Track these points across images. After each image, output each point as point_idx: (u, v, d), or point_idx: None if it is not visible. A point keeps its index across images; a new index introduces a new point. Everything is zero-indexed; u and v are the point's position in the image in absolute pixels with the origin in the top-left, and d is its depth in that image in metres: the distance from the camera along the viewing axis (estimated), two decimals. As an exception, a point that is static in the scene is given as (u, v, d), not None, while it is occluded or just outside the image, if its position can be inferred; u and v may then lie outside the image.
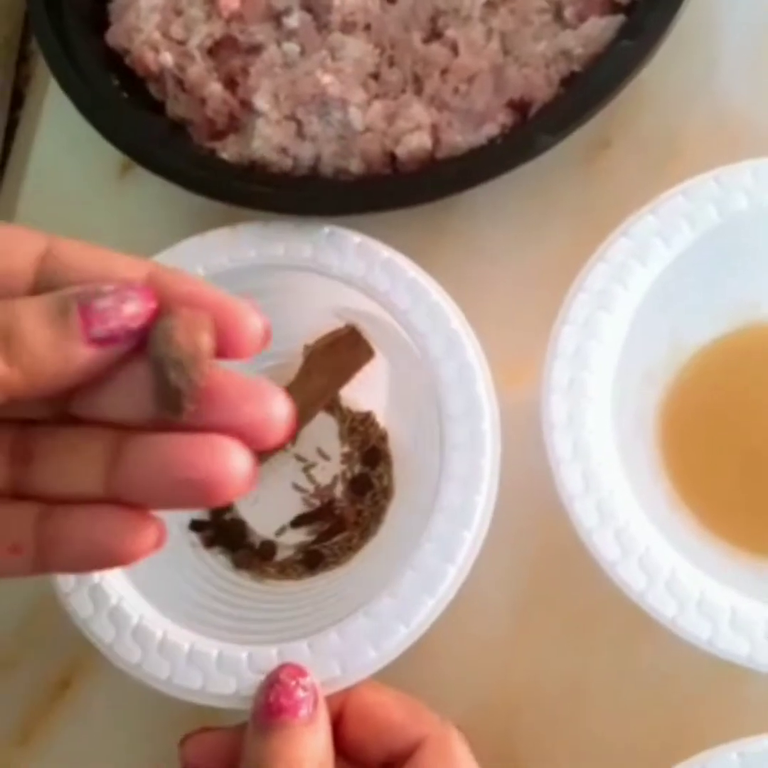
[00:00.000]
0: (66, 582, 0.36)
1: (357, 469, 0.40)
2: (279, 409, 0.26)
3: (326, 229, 0.39)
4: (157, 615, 0.36)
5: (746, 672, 0.32)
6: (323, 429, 0.41)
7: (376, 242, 0.38)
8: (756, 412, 0.38)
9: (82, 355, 0.25)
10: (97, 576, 0.36)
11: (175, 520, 0.40)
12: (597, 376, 0.36)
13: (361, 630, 0.34)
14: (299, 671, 0.33)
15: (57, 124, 0.49)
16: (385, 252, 0.38)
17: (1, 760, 0.41)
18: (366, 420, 0.41)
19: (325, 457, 0.41)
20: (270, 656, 0.34)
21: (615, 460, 0.35)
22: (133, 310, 0.25)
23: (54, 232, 0.45)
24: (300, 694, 0.32)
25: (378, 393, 0.41)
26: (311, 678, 0.33)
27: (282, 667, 0.33)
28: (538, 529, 0.38)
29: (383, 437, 0.40)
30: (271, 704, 0.32)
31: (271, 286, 0.40)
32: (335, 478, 0.41)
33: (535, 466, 0.36)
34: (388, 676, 0.35)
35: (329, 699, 0.33)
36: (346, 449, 0.41)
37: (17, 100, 0.52)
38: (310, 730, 0.32)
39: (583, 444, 0.35)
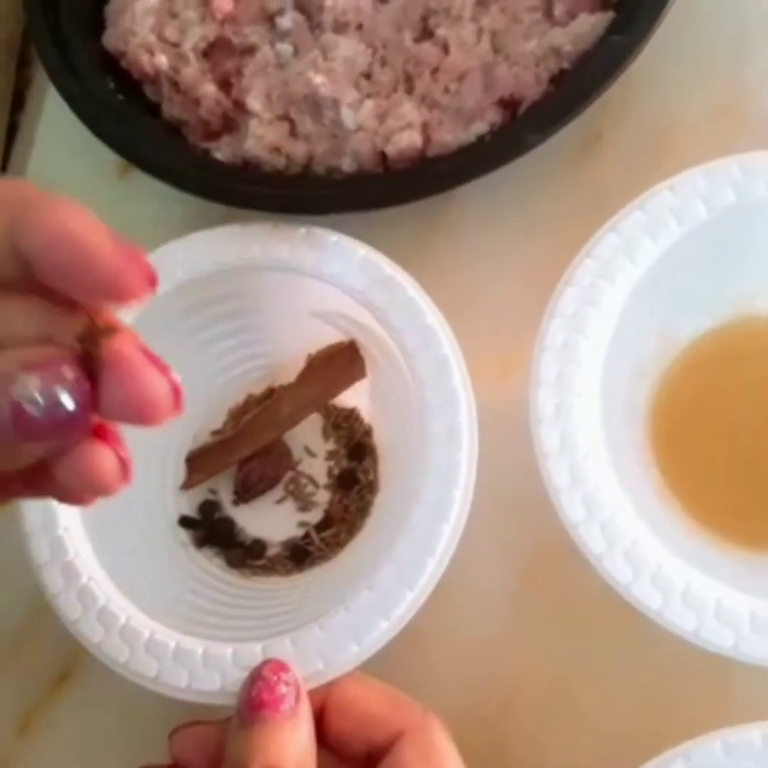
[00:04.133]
0: (54, 583, 0.37)
1: (343, 464, 0.41)
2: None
3: (303, 229, 0.39)
4: (143, 615, 0.36)
5: (732, 662, 0.32)
6: (309, 426, 0.41)
7: (353, 240, 0.38)
8: (744, 406, 0.38)
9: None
10: (85, 577, 0.37)
11: (164, 520, 0.41)
12: (585, 370, 0.36)
13: (341, 624, 0.34)
14: (281, 667, 0.33)
15: (57, 126, 0.50)
16: (362, 250, 0.38)
17: (2, 750, 0.41)
18: (350, 416, 0.42)
19: (311, 454, 0.41)
20: (254, 653, 0.35)
21: (603, 453, 0.36)
22: (67, 411, 0.23)
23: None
24: (282, 689, 0.33)
25: (361, 389, 0.41)
26: (293, 673, 0.33)
27: (265, 662, 0.34)
28: (526, 523, 0.38)
29: (368, 432, 0.41)
30: (253, 699, 0.33)
31: (250, 287, 0.41)
32: (320, 470, 0.41)
33: (523, 460, 0.36)
34: (377, 668, 0.35)
35: (313, 692, 0.34)
36: (332, 446, 0.41)
37: (18, 103, 0.53)
38: (292, 724, 0.32)
39: (570, 437, 0.35)
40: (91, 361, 0.23)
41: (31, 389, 0.22)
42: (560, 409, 0.36)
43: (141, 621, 0.36)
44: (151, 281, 0.24)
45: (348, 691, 0.34)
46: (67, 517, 0.37)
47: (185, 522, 0.41)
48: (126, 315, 0.39)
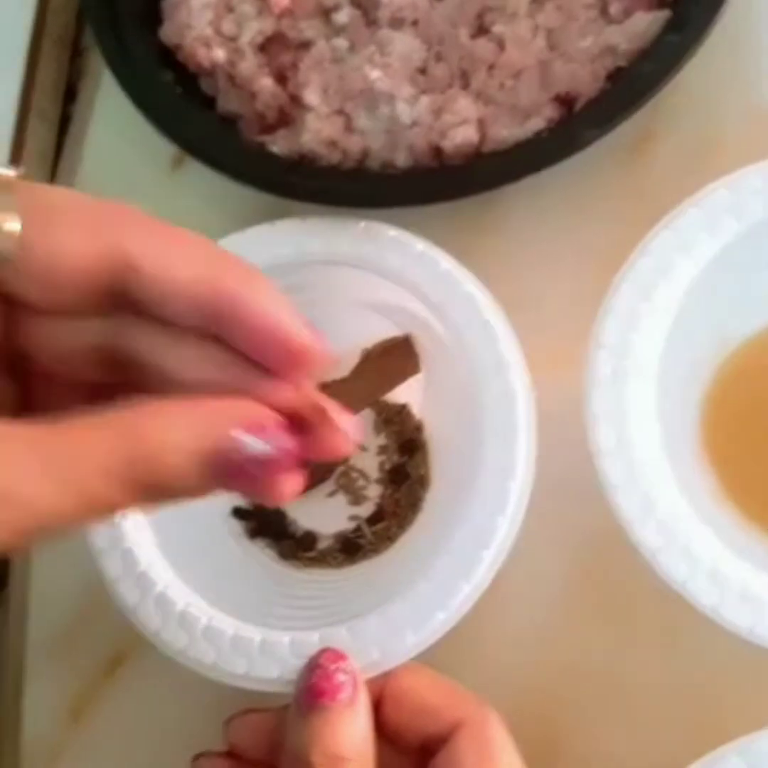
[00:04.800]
0: (114, 569, 0.37)
1: (394, 459, 0.41)
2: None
3: (362, 224, 0.39)
4: (201, 602, 0.37)
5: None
6: (360, 421, 0.41)
7: (411, 235, 0.39)
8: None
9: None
10: (144, 563, 0.37)
11: (217, 511, 0.41)
12: (640, 368, 0.36)
13: (399, 615, 0.35)
14: (339, 655, 0.34)
15: (110, 118, 0.50)
16: (420, 245, 0.39)
17: (53, 737, 0.42)
18: (402, 411, 0.42)
19: (362, 448, 0.42)
20: (311, 642, 0.35)
21: (658, 451, 0.36)
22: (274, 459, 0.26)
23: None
24: (340, 677, 0.33)
25: (413, 385, 0.41)
26: (351, 662, 0.34)
27: (322, 651, 0.34)
28: (580, 518, 0.38)
29: (418, 428, 0.41)
30: (312, 687, 0.33)
31: (308, 280, 0.41)
32: (371, 464, 0.41)
33: (579, 456, 0.36)
34: (430, 659, 0.35)
35: (369, 683, 0.34)
36: (383, 440, 0.41)
37: (70, 95, 0.53)
38: (351, 712, 0.33)
39: (626, 435, 0.35)
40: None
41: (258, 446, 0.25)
42: (616, 406, 0.36)
43: (199, 608, 0.37)
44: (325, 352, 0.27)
45: (404, 682, 0.34)
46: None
47: (238, 513, 0.42)
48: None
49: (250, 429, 0.25)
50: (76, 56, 0.54)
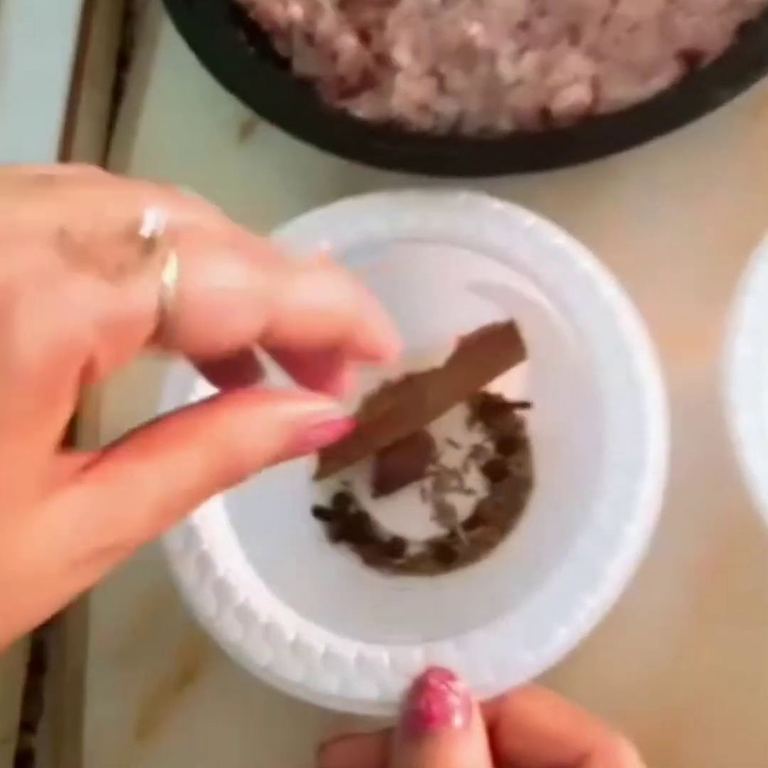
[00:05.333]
0: (189, 574, 0.33)
1: (491, 457, 0.37)
2: None
3: (463, 196, 0.36)
4: (288, 612, 0.33)
5: None
6: (453, 416, 0.38)
7: (519, 208, 0.35)
8: None
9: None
10: (221, 570, 0.33)
11: (298, 513, 0.38)
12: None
13: (514, 630, 0.31)
14: (449, 675, 0.30)
15: (168, 86, 0.47)
16: (529, 219, 0.35)
17: (120, 753, 0.38)
18: (500, 405, 0.38)
19: (455, 446, 0.38)
20: (414, 658, 0.31)
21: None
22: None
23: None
24: (453, 700, 0.30)
25: (515, 377, 0.37)
26: (463, 683, 0.30)
27: (430, 670, 0.31)
28: (716, 516, 0.34)
29: (520, 424, 0.37)
30: (422, 711, 0.30)
31: (400, 260, 0.37)
32: (465, 464, 0.38)
33: (711, 451, 0.32)
34: (542, 679, 0.32)
35: (483, 706, 0.30)
36: (478, 438, 0.38)
37: (123, 63, 0.50)
38: (466, 738, 0.29)
39: (766, 424, 0.32)
40: None
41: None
42: (756, 394, 0.32)
43: (287, 618, 0.33)
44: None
45: (522, 705, 0.31)
46: (202, 510, 0.34)
47: (319, 513, 0.38)
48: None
49: (321, 425, 0.26)
50: (128, 22, 0.50)
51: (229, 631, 0.33)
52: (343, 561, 0.37)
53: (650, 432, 0.32)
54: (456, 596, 0.35)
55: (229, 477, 0.25)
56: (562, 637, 0.31)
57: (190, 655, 0.38)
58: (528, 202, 0.36)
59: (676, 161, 0.38)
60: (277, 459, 0.26)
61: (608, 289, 0.34)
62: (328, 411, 0.27)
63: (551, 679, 0.31)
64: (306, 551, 0.37)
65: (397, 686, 0.31)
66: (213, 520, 0.34)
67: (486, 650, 0.31)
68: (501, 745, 0.31)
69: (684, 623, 0.34)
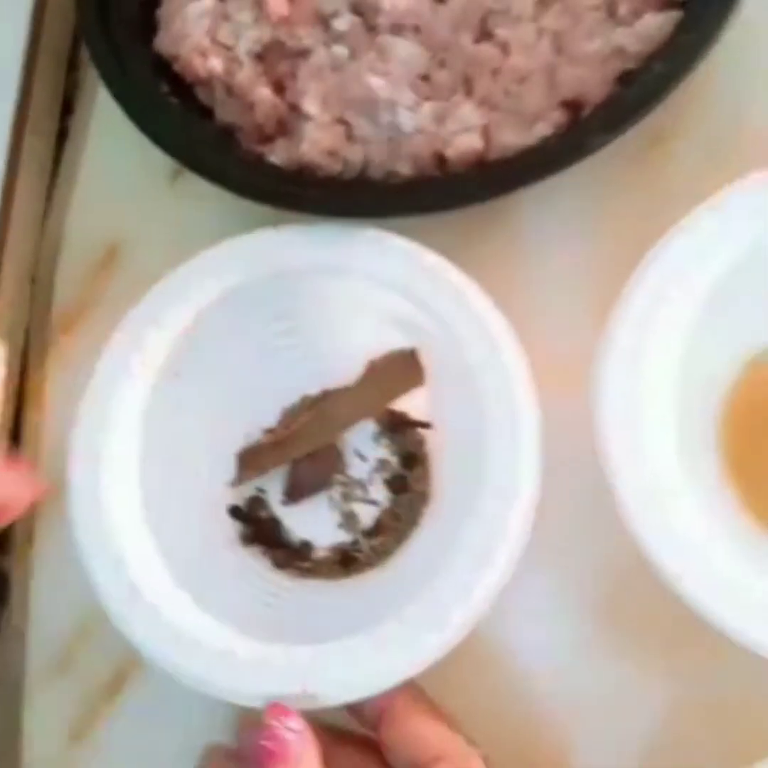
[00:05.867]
0: (103, 577, 0.36)
1: (395, 471, 0.40)
2: None
3: (370, 233, 0.38)
4: (199, 617, 0.36)
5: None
6: (362, 432, 0.41)
7: (420, 247, 0.38)
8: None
9: None
10: (137, 576, 0.36)
11: (213, 516, 0.40)
12: (655, 379, 0.35)
13: (390, 637, 0.34)
14: (285, 712, 0.33)
15: (108, 131, 0.49)
16: (429, 257, 0.38)
17: (55, 758, 0.41)
18: (403, 424, 0.41)
19: (363, 459, 0.41)
20: (302, 658, 0.34)
21: (675, 466, 0.34)
22: None
23: (106, 239, 0.46)
24: (288, 736, 0.33)
25: (417, 398, 0.40)
26: (298, 721, 0.33)
27: (270, 707, 0.33)
28: (593, 538, 0.37)
29: (421, 441, 0.40)
30: (261, 748, 0.33)
31: (312, 289, 0.40)
32: (370, 476, 0.40)
33: (587, 474, 0.35)
34: (438, 684, 0.34)
35: (375, 698, 0.34)
36: (384, 453, 0.40)
37: (67, 108, 0.52)
38: None
39: (641, 450, 0.34)
40: None
41: None
42: (629, 419, 0.35)
43: (197, 624, 0.35)
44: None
45: (400, 703, 0.34)
46: (120, 511, 0.37)
47: (235, 513, 0.41)
48: (185, 312, 0.39)
49: None
50: (72, 70, 0.53)
51: (140, 635, 0.36)
52: (254, 564, 0.40)
53: (524, 458, 0.35)
54: (351, 602, 0.38)
55: None
56: (433, 644, 0.33)
57: (121, 662, 0.40)
58: (430, 241, 0.39)
59: (566, 202, 0.40)
60: None
61: (496, 325, 0.36)
62: None
63: (438, 685, 0.34)
64: (219, 555, 0.40)
65: (315, 684, 0.34)
66: (130, 528, 0.37)
67: (364, 654, 0.34)
68: (381, 733, 0.34)
69: (561, 633, 0.37)
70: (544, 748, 0.36)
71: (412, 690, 0.34)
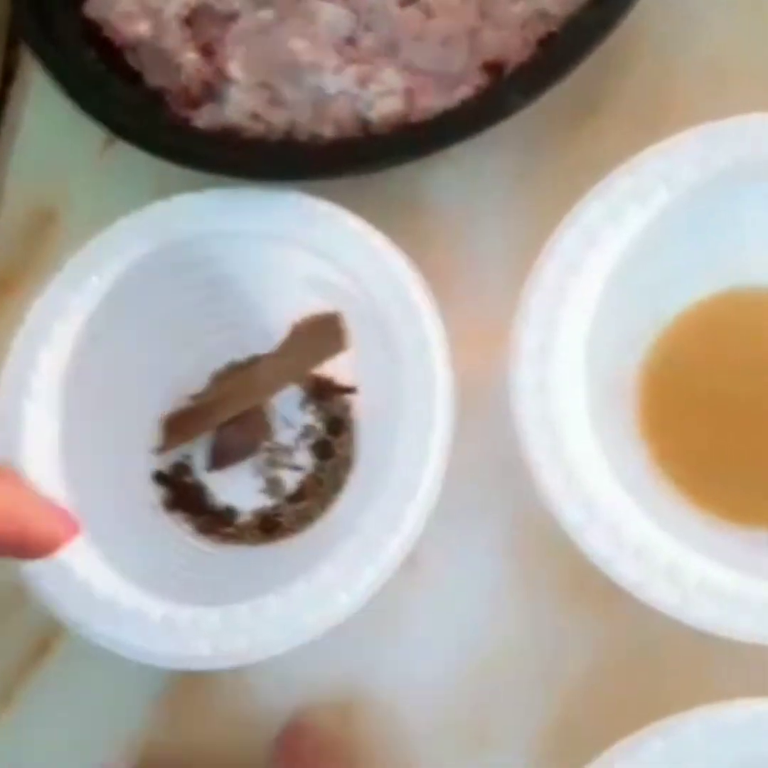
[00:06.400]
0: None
1: (321, 437, 0.40)
2: None
3: (293, 197, 0.38)
4: (121, 583, 0.36)
5: (715, 639, 0.31)
6: (288, 398, 0.40)
7: (341, 210, 0.38)
8: (734, 378, 0.37)
9: None
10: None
11: (138, 482, 0.40)
12: (569, 342, 0.35)
13: (302, 596, 0.34)
14: None
15: (44, 100, 0.49)
16: (352, 221, 0.38)
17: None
18: (331, 389, 0.41)
19: (289, 425, 0.40)
20: (214, 619, 0.34)
21: (586, 426, 0.34)
22: None
23: (43, 204, 0.46)
24: None
25: (344, 363, 0.40)
26: None
27: None
28: (507, 497, 0.37)
29: (347, 407, 0.40)
30: None
31: (237, 253, 0.40)
32: (297, 442, 0.40)
33: (505, 434, 0.35)
34: (350, 649, 0.35)
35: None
36: (310, 418, 0.40)
37: (8, 79, 0.52)
38: None
39: (552, 411, 0.34)
40: None
41: None
42: (542, 382, 0.35)
43: (119, 589, 0.35)
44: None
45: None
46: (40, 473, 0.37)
47: (160, 478, 0.40)
48: (110, 271, 0.38)
49: None
50: (15, 43, 0.53)
51: (70, 607, 0.36)
52: (176, 529, 0.40)
53: (436, 423, 0.35)
54: (269, 565, 0.38)
55: None
56: (343, 603, 0.34)
57: (48, 625, 0.40)
58: (355, 204, 0.39)
59: (492, 165, 0.40)
60: None
61: (416, 292, 0.36)
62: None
63: (361, 644, 0.34)
64: (142, 520, 0.40)
65: (226, 643, 0.34)
66: (50, 491, 0.36)
67: (275, 613, 0.34)
68: None
69: (477, 592, 0.37)
70: (461, 701, 0.36)
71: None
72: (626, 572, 0.32)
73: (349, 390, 0.40)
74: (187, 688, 0.38)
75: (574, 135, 0.41)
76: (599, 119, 0.41)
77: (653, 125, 0.41)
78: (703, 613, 0.31)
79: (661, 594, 0.32)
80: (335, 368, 0.41)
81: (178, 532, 0.40)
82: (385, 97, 0.39)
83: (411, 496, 0.34)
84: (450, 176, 0.41)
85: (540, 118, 0.39)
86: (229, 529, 0.40)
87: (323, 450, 0.40)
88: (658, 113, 0.41)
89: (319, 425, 0.40)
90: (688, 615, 0.31)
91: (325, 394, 0.41)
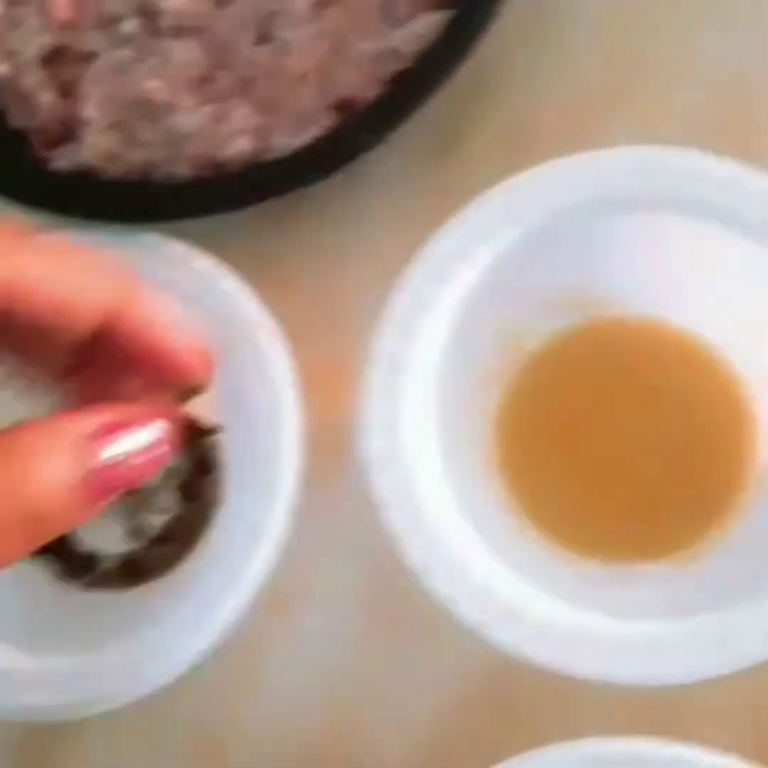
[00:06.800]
0: None
1: (188, 476, 0.40)
2: None
3: (147, 237, 0.38)
4: None
5: (567, 678, 0.31)
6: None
7: (194, 250, 0.38)
8: (586, 412, 0.37)
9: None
10: None
11: None
12: (419, 380, 0.35)
13: (150, 643, 0.34)
14: None
15: None
16: (202, 261, 0.38)
17: None
18: (193, 430, 0.40)
19: None
20: (62, 669, 0.34)
21: (438, 466, 0.34)
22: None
23: None
24: None
25: (211, 403, 0.40)
26: None
27: None
28: (364, 539, 0.37)
29: (214, 446, 0.40)
30: None
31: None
32: (161, 484, 0.40)
33: (359, 477, 0.35)
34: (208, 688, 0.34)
35: None
36: (175, 460, 0.40)
37: None
38: None
39: (401, 450, 0.34)
40: None
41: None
42: (392, 421, 0.34)
43: None
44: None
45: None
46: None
47: None
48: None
49: (113, 433, 0.23)
50: None
51: None
52: (39, 576, 0.39)
53: (283, 461, 0.35)
54: (135, 607, 0.38)
55: (33, 523, 0.23)
56: (189, 650, 0.33)
57: None
58: (214, 245, 0.38)
59: (349, 204, 0.40)
60: (89, 493, 0.23)
61: (265, 336, 0.36)
62: (107, 413, 0.23)
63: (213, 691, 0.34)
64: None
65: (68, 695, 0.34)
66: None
67: (122, 662, 0.34)
68: None
69: (330, 629, 0.37)
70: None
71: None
72: (468, 612, 0.32)
73: (212, 431, 0.40)
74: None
75: (436, 169, 0.41)
76: (461, 153, 0.41)
77: (515, 158, 0.41)
78: (546, 652, 0.31)
79: (501, 635, 0.32)
80: (203, 406, 0.40)
81: (39, 579, 0.39)
82: (237, 137, 0.39)
83: (258, 539, 0.34)
84: (314, 216, 0.41)
85: (398, 154, 0.40)
86: (92, 576, 0.39)
87: (190, 491, 0.40)
88: (520, 146, 0.41)
89: (185, 466, 0.40)
90: (531, 653, 0.31)
91: (191, 437, 0.40)
